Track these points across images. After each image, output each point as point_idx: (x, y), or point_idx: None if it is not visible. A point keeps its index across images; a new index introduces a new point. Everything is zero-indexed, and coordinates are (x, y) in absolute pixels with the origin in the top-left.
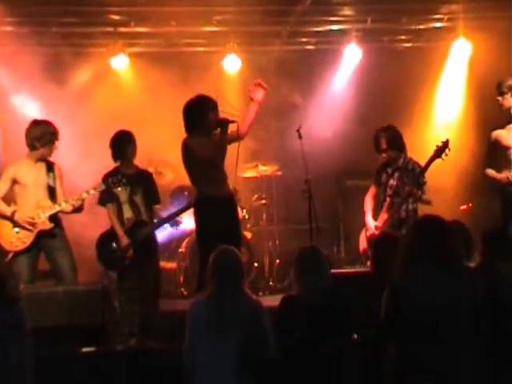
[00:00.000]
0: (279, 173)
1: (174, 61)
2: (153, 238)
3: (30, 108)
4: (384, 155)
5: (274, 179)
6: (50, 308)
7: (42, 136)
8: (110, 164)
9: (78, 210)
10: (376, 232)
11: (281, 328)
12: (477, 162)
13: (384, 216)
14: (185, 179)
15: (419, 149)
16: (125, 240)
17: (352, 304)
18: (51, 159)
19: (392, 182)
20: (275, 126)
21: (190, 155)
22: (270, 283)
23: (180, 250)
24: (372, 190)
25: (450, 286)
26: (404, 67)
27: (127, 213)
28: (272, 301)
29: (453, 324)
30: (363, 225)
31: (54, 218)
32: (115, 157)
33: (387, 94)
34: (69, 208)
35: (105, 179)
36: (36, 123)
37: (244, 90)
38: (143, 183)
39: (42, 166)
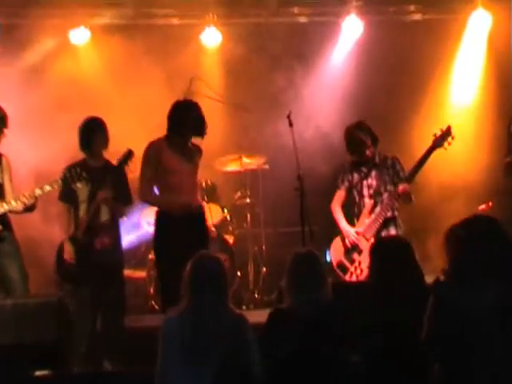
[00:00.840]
0: (266, 166)
1: (144, 35)
2: (116, 242)
3: None
4: (367, 153)
5: (261, 174)
6: None
7: None
8: (68, 155)
9: (29, 208)
10: (356, 238)
11: (268, 347)
12: (497, 151)
13: (365, 219)
14: None
15: (430, 136)
16: (68, 248)
17: (352, 319)
18: None
19: (370, 181)
20: (262, 112)
21: None
22: (256, 295)
23: (150, 256)
24: (340, 195)
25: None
26: (412, 43)
27: (85, 214)
28: (258, 316)
29: (506, 338)
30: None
31: (1, 219)
32: (81, 147)
33: (393, 74)
34: (19, 207)
35: (63, 172)
36: None
37: (225, 68)
38: (109, 179)
39: None
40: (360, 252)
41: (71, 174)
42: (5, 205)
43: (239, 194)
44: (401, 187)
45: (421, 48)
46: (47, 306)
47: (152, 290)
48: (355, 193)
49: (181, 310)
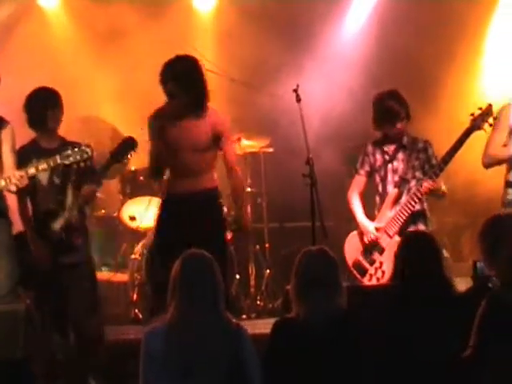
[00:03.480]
0: (270, 149)
1: None
2: (82, 236)
3: None
4: (399, 126)
5: (263, 158)
6: None
7: None
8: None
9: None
10: (375, 236)
11: (271, 364)
12: None
13: (387, 212)
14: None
15: (458, 121)
16: (38, 241)
17: (370, 331)
18: None
19: (396, 165)
20: (264, 86)
21: None
22: (258, 302)
23: (133, 256)
24: (359, 181)
25: None
26: (437, 13)
27: (45, 201)
28: (260, 326)
29: None
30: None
31: None
32: (31, 124)
33: (413, 49)
34: (11, 188)
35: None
36: None
37: (219, 36)
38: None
39: None
40: (381, 251)
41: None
42: None
43: None
44: (424, 187)
45: (446, 18)
46: (12, 316)
47: (135, 297)
48: (378, 178)
49: (166, 320)
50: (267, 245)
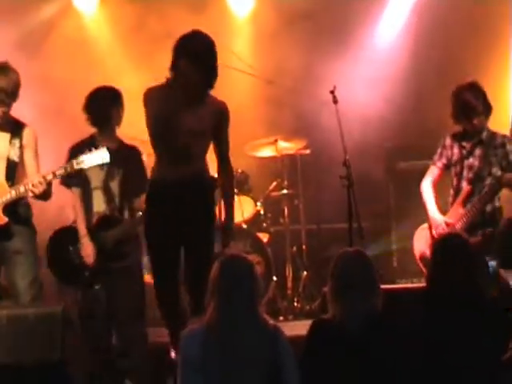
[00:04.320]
0: (307, 151)
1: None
2: (133, 241)
3: None
4: (475, 122)
5: (300, 160)
6: None
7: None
8: (74, 137)
9: (42, 197)
10: (445, 230)
11: (308, 365)
12: None
13: (459, 208)
14: None
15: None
16: (87, 243)
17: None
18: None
19: (472, 161)
20: (301, 87)
21: None
22: (295, 304)
23: None
24: (434, 172)
25: None
26: (490, 5)
27: (98, 203)
28: (297, 328)
29: None
30: (423, 221)
31: (10, 210)
32: (93, 122)
33: (461, 46)
34: (29, 193)
35: (72, 152)
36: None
37: (257, 37)
38: (125, 164)
39: (4, 130)
40: None
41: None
42: (12, 191)
43: (275, 184)
44: (506, 176)
45: (499, 11)
46: (50, 319)
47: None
48: (453, 172)
49: (204, 322)
50: (304, 246)
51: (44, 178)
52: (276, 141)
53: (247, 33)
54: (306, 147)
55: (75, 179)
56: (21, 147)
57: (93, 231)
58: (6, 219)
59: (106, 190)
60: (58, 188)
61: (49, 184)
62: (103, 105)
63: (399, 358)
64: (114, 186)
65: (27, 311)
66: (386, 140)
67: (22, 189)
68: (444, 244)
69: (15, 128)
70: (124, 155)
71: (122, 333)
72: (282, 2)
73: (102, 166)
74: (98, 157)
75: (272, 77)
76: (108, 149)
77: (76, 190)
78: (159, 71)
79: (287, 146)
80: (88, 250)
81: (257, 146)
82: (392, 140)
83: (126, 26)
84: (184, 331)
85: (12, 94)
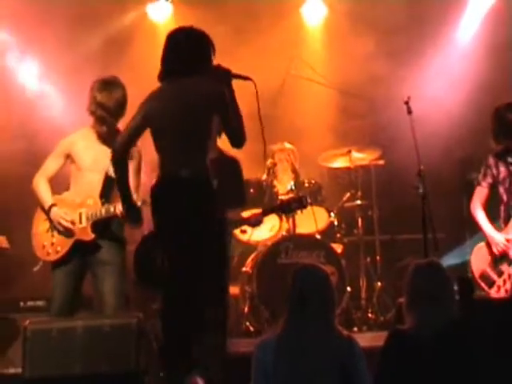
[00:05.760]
0: (381, 162)
1: (234, 9)
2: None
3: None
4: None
5: (374, 171)
6: (63, 351)
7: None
8: None
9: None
10: (506, 246)
11: (384, 375)
12: None
13: None
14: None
15: None
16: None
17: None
18: None
19: None
20: (374, 97)
21: None
22: (369, 315)
23: (244, 268)
24: (481, 193)
25: None
26: None
27: None
28: (372, 339)
29: None
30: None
31: (100, 225)
32: None
33: None
34: (118, 214)
35: None
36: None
37: (330, 46)
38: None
39: (108, 143)
40: (510, 262)
41: None
42: (103, 209)
43: (349, 194)
44: None
45: None
46: (124, 329)
47: (246, 309)
48: (502, 190)
49: (277, 332)
50: (378, 257)
51: (135, 201)
52: (349, 151)
53: (319, 42)
54: (379, 158)
55: None
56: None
57: None
58: (92, 236)
59: None
60: None
61: (137, 209)
62: None
63: (474, 369)
64: None
65: (103, 322)
66: (461, 150)
67: (112, 209)
68: None
69: None
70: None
71: (203, 344)
72: (353, 9)
73: None
74: None
75: (345, 87)
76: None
77: None
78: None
79: (361, 157)
80: None
81: (330, 156)
82: (466, 150)
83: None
84: (257, 341)
85: (115, 111)
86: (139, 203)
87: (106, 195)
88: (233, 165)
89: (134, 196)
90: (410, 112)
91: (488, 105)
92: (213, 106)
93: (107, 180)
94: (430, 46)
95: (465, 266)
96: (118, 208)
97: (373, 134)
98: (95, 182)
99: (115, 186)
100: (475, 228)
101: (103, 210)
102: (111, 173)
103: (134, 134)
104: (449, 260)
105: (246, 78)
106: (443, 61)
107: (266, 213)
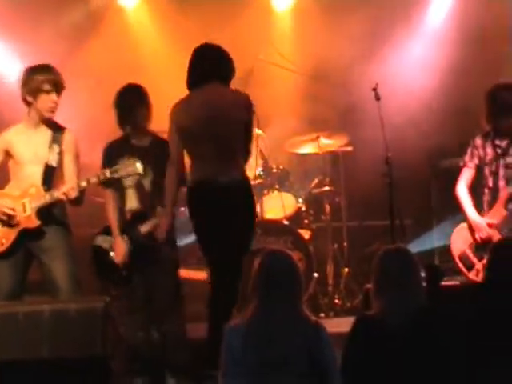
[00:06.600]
0: (349, 148)
1: None
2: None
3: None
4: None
5: (342, 157)
6: (30, 335)
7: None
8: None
9: (76, 202)
10: (489, 234)
11: (351, 360)
12: None
13: (502, 210)
14: None
15: None
16: (119, 243)
17: (454, 332)
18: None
19: (509, 160)
20: (342, 84)
21: None
22: (336, 301)
23: None
24: (467, 174)
25: None
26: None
27: (131, 201)
28: (339, 325)
29: None
30: (464, 219)
31: (44, 212)
32: (120, 122)
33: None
34: (62, 197)
35: (107, 153)
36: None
37: (299, 32)
38: (156, 161)
39: (44, 134)
40: None
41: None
42: (47, 195)
43: (316, 181)
44: None
45: None
46: (91, 314)
47: None
48: (487, 172)
49: (246, 318)
50: (345, 243)
51: (78, 184)
52: (318, 137)
53: (287, 28)
54: (347, 144)
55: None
56: (60, 153)
57: (126, 227)
58: (38, 222)
59: (139, 188)
60: None
61: (82, 191)
62: (128, 103)
63: (442, 356)
64: (147, 183)
65: (69, 306)
66: (429, 137)
67: (56, 194)
68: (500, 247)
69: (55, 132)
70: (156, 152)
71: (161, 328)
72: None
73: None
74: (131, 168)
75: (313, 73)
76: (139, 147)
77: (111, 191)
78: None
79: (329, 143)
80: (120, 249)
81: (298, 142)
82: (435, 137)
83: (168, 20)
84: (227, 325)
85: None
86: (84, 184)
87: (47, 183)
88: (166, 149)
89: (75, 181)
90: (378, 99)
91: (460, 89)
92: (244, 114)
93: (47, 169)
94: (400, 31)
95: (432, 252)
96: (62, 191)
97: (341, 120)
98: (36, 173)
99: (55, 173)
100: (442, 215)
101: (47, 196)
102: (51, 162)
103: (178, 150)
104: (416, 247)
105: None
106: (414, 45)
107: None
